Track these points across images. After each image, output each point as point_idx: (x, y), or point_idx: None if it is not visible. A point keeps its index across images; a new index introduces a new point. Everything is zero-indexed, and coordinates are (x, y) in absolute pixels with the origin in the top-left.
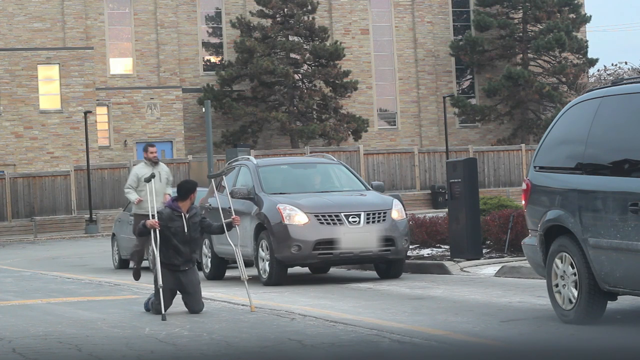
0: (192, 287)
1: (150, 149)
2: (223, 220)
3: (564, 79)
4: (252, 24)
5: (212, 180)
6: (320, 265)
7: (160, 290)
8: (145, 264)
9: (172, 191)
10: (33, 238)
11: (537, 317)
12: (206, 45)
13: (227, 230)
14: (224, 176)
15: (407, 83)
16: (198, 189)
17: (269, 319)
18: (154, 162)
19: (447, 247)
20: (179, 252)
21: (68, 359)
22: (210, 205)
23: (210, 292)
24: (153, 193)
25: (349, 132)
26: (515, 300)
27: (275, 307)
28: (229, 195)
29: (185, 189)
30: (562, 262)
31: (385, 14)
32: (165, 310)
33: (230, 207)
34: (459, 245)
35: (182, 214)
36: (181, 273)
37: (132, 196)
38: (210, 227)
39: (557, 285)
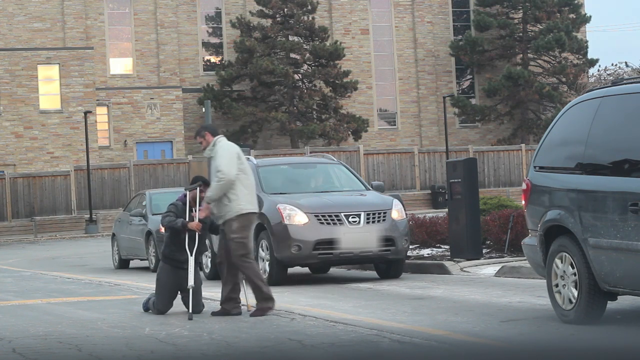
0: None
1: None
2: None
3: (564, 79)
4: (252, 24)
5: None
6: (320, 265)
7: (190, 290)
8: (145, 263)
9: None
10: (33, 238)
11: (537, 317)
12: (206, 45)
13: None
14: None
15: (407, 83)
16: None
17: (269, 319)
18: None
19: (447, 247)
20: (184, 248)
21: (68, 359)
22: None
23: (211, 292)
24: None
25: (349, 132)
26: (515, 300)
27: (275, 307)
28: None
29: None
30: (562, 262)
31: (385, 14)
32: (165, 312)
33: None
34: (459, 245)
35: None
36: (184, 271)
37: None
38: (212, 226)
39: (557, 285)
